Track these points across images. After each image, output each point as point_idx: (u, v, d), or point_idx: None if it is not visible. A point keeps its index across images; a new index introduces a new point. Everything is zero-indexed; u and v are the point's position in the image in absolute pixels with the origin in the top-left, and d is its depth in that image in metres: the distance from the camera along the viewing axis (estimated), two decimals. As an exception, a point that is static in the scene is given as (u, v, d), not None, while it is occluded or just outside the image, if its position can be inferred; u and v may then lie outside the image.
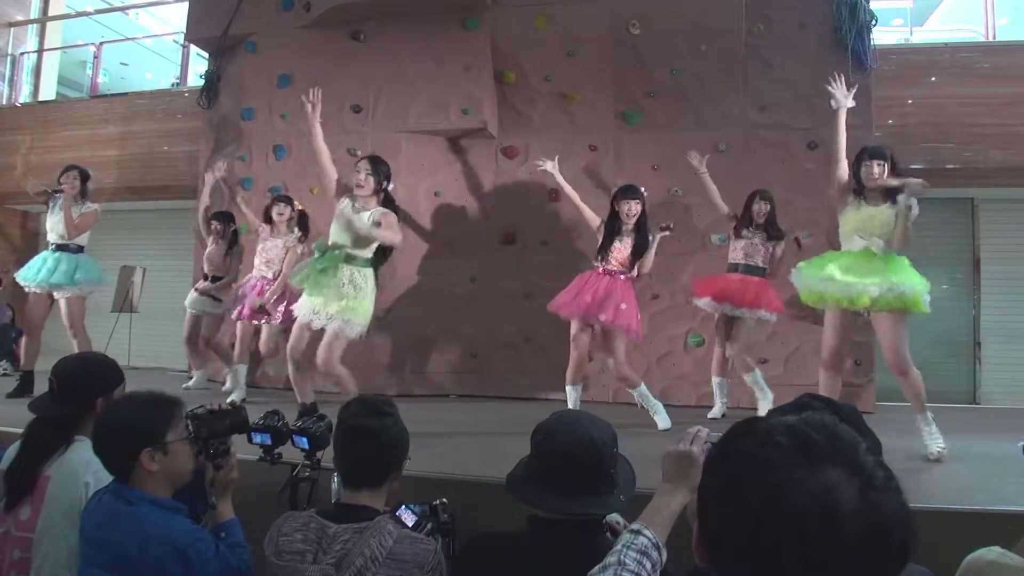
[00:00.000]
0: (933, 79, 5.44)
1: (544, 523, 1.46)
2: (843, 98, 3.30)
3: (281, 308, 4.46)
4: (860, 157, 3.23)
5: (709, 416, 4.21)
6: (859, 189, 3.22)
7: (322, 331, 3.41)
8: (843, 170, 3.26)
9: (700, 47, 4.85)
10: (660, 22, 4.87)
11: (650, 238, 3.90)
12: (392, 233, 3.40)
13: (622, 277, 3.87)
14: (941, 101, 5.38)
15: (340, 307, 3.36)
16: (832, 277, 3.11)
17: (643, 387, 3.88)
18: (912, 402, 3.13)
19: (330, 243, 3.47)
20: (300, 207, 4.70)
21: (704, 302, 4.21)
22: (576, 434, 1.46)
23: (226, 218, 5.12)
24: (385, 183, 3.50)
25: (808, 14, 4.87)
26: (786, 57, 4.87)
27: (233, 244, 5.12)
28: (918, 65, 5.49)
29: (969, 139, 5.29)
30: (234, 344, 4.81)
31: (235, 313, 4.60)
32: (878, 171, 3.15)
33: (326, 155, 3.53)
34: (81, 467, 1.79)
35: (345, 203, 3.47)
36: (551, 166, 4.25)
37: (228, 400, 4.13)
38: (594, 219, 4.00)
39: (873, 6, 4.88)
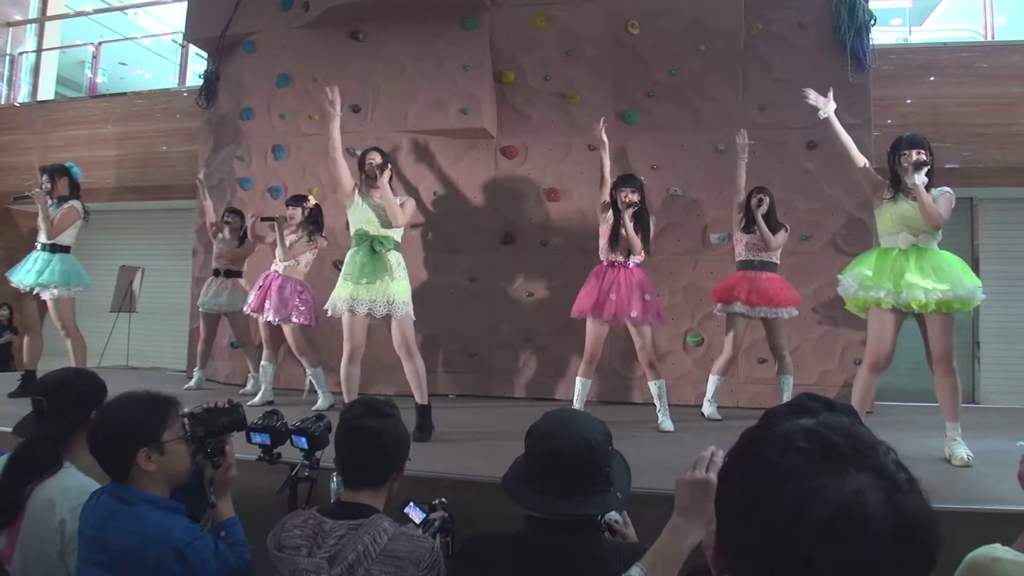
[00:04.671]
0: (932, 79, 5.44)
1: (542, 523, 1.45)
2: (824, 104, 3.23)
3: (300, 305, 4.47)
4: (897, 147, 3.12)
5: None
6: (895, 182, 3.12)
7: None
8: (862, 163, 3.18)
9: (699, 47, 4.84)
10: (659, 22, 4.87)
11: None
12: (409, 214, 3.69)
13: (631, 266, 3.88)
14: (940, 101, 5.39)
15: (385, 291, 3.53)
16: (883, 281, 3.00)
17: (663, 383, 3.90)
18: (949, 407, 3.02)
19: (371, 233, 3.63)
20: (311, 204, 4.63)
21: (735, 307, 4.10)
22: (570, 435, 1.45)
23: (240, 215, 5.14)
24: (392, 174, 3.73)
25: (807, 14, 4.87)
26: (785, 57, 4.87)
27: (243, 240, 5.12)
28: (917, 65, 5.50)
29: (968, 139, 5.30)
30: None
31: (247, 307, 4.58)
32: (917, 158, 3.03)
33: (342, 161, 3.62)
34: (59, 496, 1.71)
35: (359, 195, 3.66)
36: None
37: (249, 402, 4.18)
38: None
39: (872, 6, 4.88)
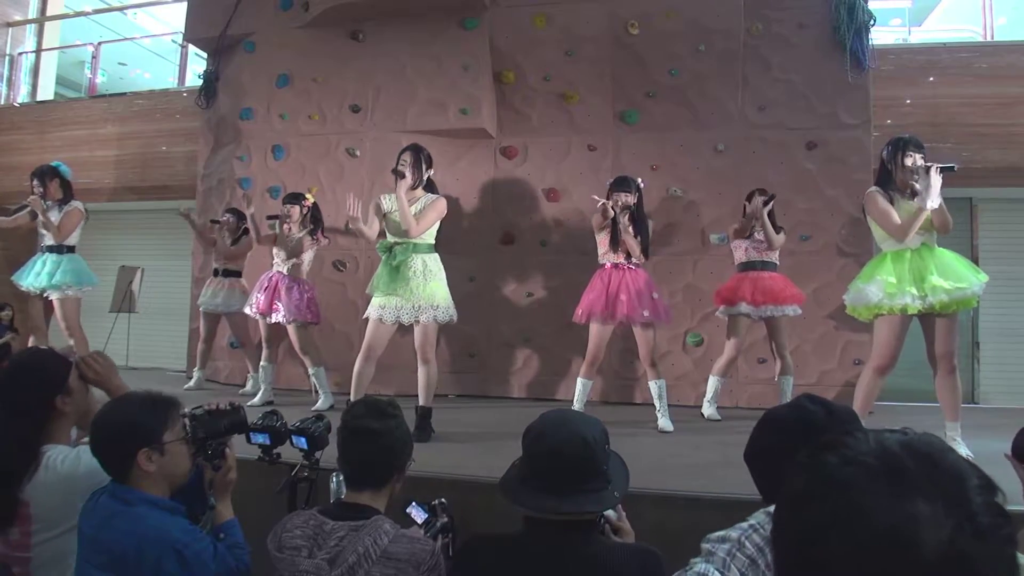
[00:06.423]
0: (931, 79, 5.44)
1: (540, 522, 1.45)
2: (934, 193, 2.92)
3: (311, 305, 4.47)
4: (901, 148, 3.08)
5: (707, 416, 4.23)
6: (887, 181, 3.10)
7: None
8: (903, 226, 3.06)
9: (699, 47, 4.84)
10: (659, 22, 4.87)
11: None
12: (429, 220, 3.54)
13: (633, 268, 3.88)
14: (939, 101, 5.39)
15: (411, 299, 3.47)
16: (906, 286, 2.96)
17: (663, 383, 3.89)
18: (950, 407, 3.03)
19: (392, 242, 3.55)
20: (309, 202, 4.62)
21: (741, 308, 4.09)
22: (567, 433, 1.45)
23: (238, 214, 5.13)
24: (428, 171, 3.63)
25: (807, 14, 4.87)
26: (785, 57, 4.88)
27: (238, 240, 5.13)
28: (916, 65, 5.49)
29: (967, 139, 5.29)
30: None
31: (252, 309, 4.51)
32: (921, 162, 3.03)
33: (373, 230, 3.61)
34: (72, 483, 1.63)
35: (389, 201, 3.59)
36: None
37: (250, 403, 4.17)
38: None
39: (871, 6, 4.88)
